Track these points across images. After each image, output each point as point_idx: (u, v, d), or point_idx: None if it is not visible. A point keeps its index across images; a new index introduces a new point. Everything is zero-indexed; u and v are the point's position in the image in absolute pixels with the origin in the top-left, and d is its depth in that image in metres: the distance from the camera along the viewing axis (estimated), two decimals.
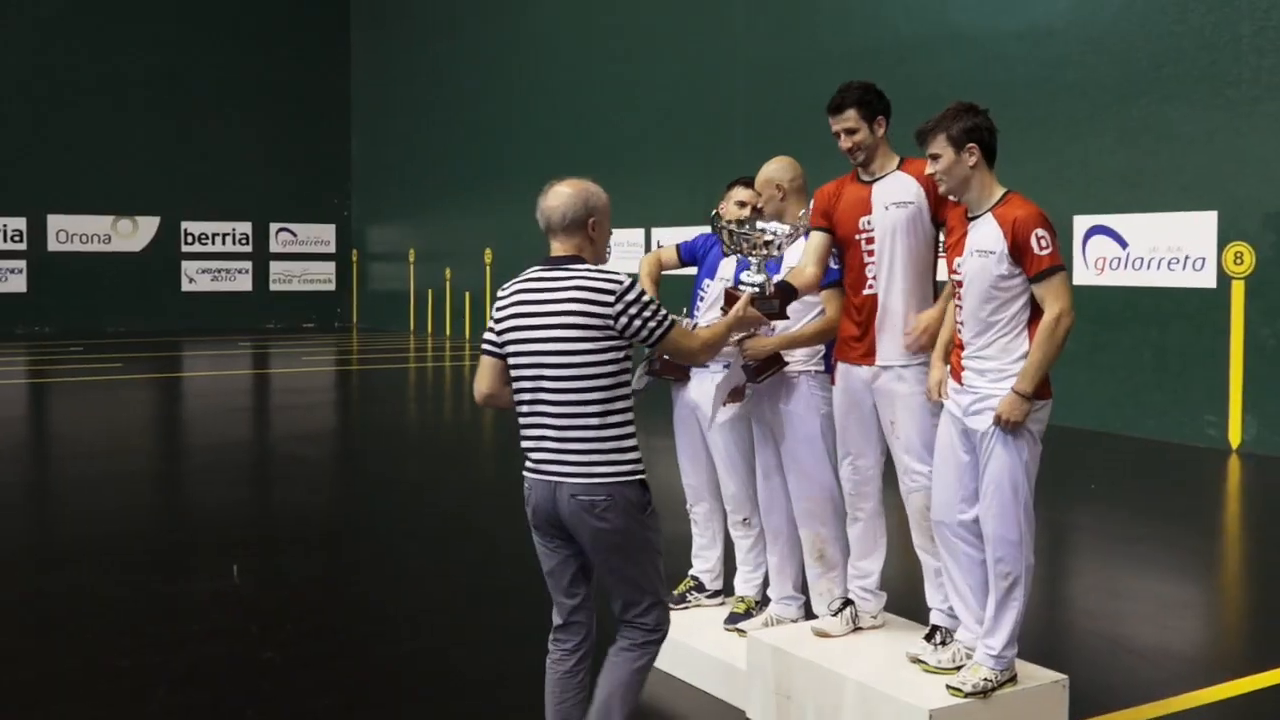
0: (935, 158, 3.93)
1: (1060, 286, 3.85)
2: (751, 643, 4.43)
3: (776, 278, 4.30)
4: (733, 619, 4.93)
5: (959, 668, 3.99)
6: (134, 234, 26.64)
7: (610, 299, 3.31)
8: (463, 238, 24.05)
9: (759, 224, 4.13)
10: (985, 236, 3.89)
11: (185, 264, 27.24)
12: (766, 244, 4.06)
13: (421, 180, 25.86)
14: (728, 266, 4.96)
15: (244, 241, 27.92)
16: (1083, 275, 11.84)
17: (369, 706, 4.60)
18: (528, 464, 3.47)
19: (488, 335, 3.53)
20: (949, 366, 4.08)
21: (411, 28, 26.40)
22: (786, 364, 4.54)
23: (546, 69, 21.30)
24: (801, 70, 15.21)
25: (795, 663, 4.23)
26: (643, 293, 3.37)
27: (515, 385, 3.45)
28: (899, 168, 4.34)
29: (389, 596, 6.16)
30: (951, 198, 4.05)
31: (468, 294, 23.87)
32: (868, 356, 4.31)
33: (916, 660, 4.09)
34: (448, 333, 24.62)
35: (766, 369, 4.49)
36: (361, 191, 28.97)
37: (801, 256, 4.46)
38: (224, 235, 27.67)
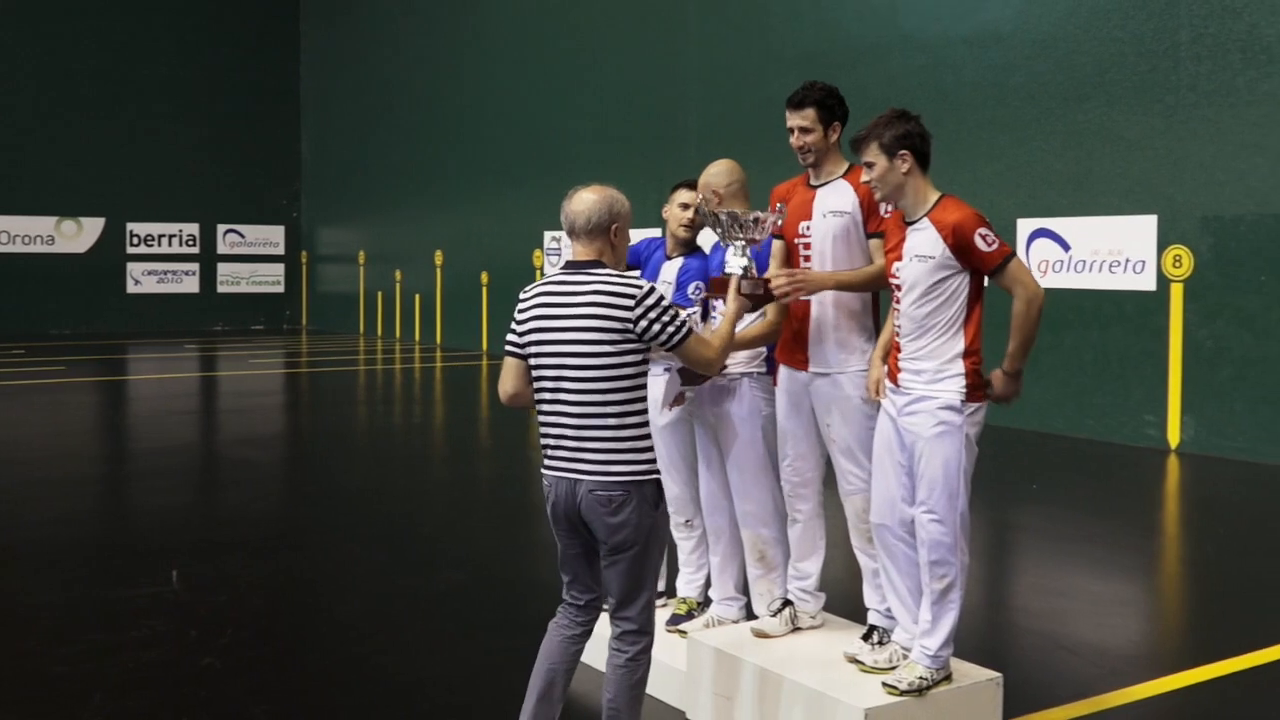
0: (869, 165, 3.99)
1: (1019, 271, 3.95)
2: (691, 644, 4.46)
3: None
4: (674, 620, 4.95)
5: (895, 668, 4.04)
6: (78, 235, 26.29)
7: (631, 303, 3.44)
8: (413, 240, 23.95)
9: (745, 213, 4.15)
10: (923, 242, 3.94)
11: (131, 265, 26.92)
12: (755, 223, 4.09)
13: (372, 182, 25.73)
14: (669, 270, 4.99)
15: (191, 243, 27.63)
16: None
17: (308, 711, 4.57)
18: (546, 462, 3.61)
19: (510, 337, 3.66)
20: (886, 367, 4.13)
21: (363, 27, 26.25)
22: (725, 368, 4.56)
23: (499, 70, 21.26)
24: (753, 73, 15.30)
25: (734, 663, 4.25)
26: (662, 298, 3.51)
27: (536, 385, 3.59)
28: (844, 175, 4.38)
29: (332, 601, 6.12)
30: (888, 204, 4.10)
31: (418, 296, 23.76)
32: (804, 361, 4.35)
33: (854, 660, 4.13)
34: (398, 335, 24.49)
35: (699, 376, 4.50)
36: (311, 193, 28.77)
37: (768, 263, 4.49)
38: (170, 236, 27.37)
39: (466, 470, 10.34)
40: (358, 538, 7.48)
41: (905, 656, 4.06)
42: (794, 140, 4.36)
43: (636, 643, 3.60)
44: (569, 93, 19.30)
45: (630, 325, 3.43)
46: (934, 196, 4.01)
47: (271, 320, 28.56)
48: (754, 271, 4.07)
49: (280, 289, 28.88)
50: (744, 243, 4.09)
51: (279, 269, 28.84)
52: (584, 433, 3.47)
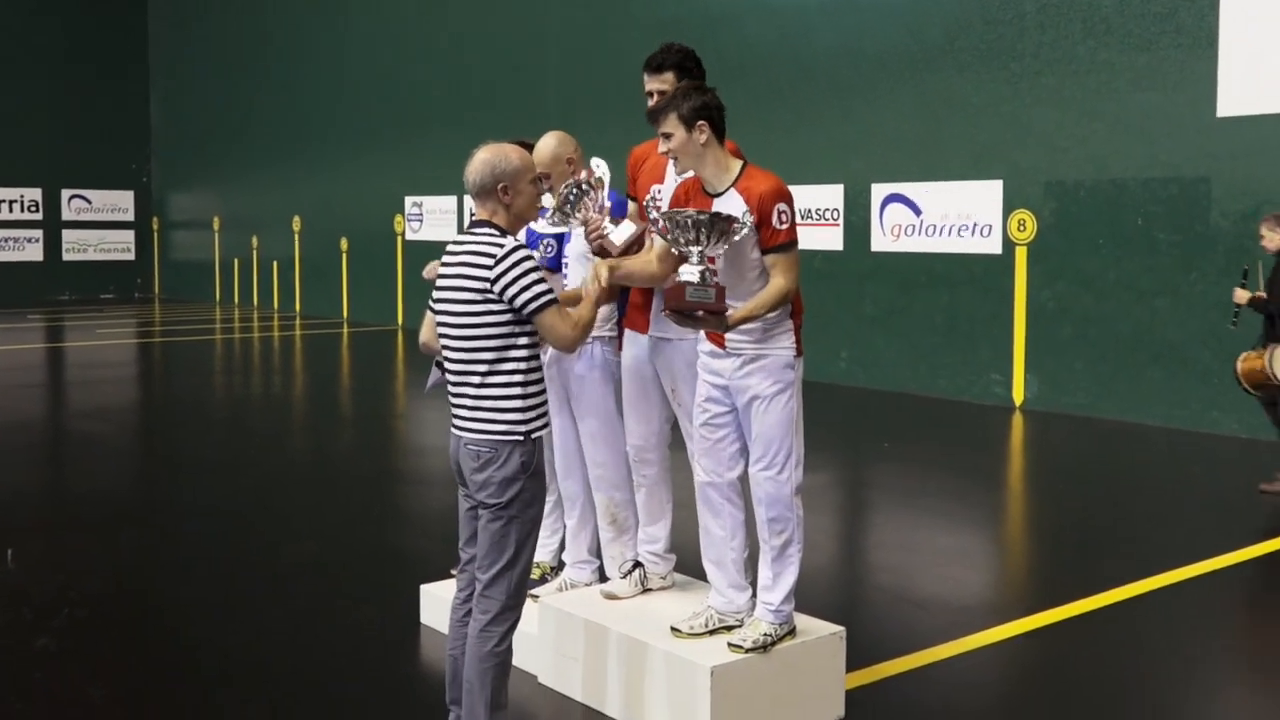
0: (667, 136, 3.98)
1: (792, 262, 3.93)
2: (541, 607, 4.47)
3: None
4: None
5: (712, 632, 4.10)
6: None
7: (490, 262, 3.44)
8: (270, 205, 23.32)
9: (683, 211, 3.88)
10: (733, 212, 3.94)
11: None
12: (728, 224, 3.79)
13: (226, 145, 24.93)
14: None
15: (33, 209, 26.43)
16: (880, 242, 12.26)
17: (149, 693, 4.45)
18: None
19: (434, 291, 3.74)
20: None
21: None
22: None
23: (356, 32, 20.76)
24: (612, 38, 15.24)
25: (582, 625, 4.28)
26: (522, 261, 3.46)
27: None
28: None
29: (178, 579, 5.95)
30: (688, 174, 4.09)
31: (275, 263, 23.18)
32: (645, 324, 4.37)
33: (674, 629, 4.13)
34: (255, 303, 23.87)
35: None
36: (161, 156, 27.75)
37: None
38: (11, 202, 26.10)
39: (323, 441, 10.15)
40: (207, 513, 7.29)
41: (721, 621, 4.13)
42: (653, 104, 4.31)
43: (487, 610, 3.54)
44: (428, 57, 18.96)
45: (489, 285, 3.43)
46: (737, 165, 4.03)
47: (122, 289, 27.54)
48: (710, 277, 3.82)
49: (131, 256, 27.84)
50: (699, 250, 3.81)
51: (129, 236, 27.79)
52: (460, 389, 3.55)
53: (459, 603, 3.75)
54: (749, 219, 3.87)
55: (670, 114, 3.95)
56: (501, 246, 3.46)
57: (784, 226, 3.91)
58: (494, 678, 3.54)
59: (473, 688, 3.54)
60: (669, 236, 3.87)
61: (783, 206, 3.91)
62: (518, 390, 3.50)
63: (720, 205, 3.96)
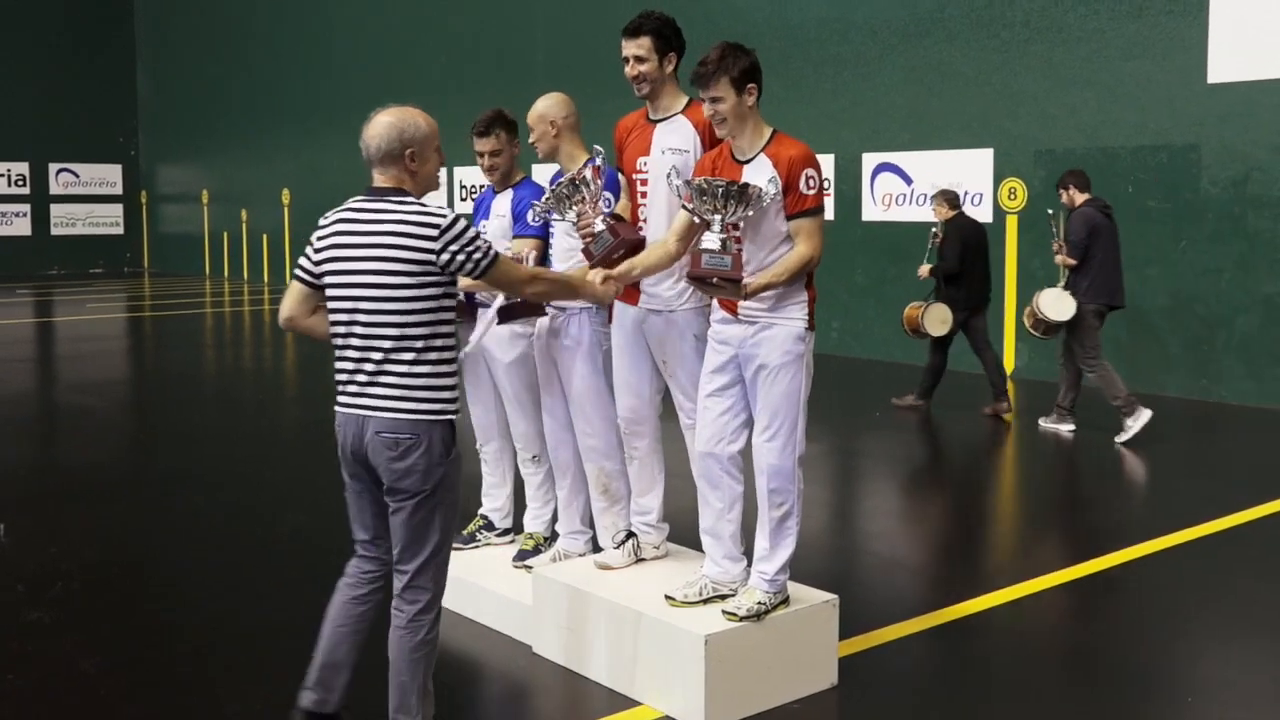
0: (716, 100, 3.91)
1: (817, 228, 3.92)
2: (535, 578, 4.48)
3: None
4: (521, 556, 4.97)
5: (706, 601, 4.10)
6: None
7: (434, 233, 3.25)
8: (259, 178, 23.22)
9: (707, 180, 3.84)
10: (759, 179, 3.90)
11: None
12: (746, 194, 3.78)
13: (214, 118, 24.78)
14: (502, 203, 4.92)
15: (20, 183, 26.29)
16: (871, 211, 12.24)
17: (142, 664, 4.46)
18: (338, 398, 3.42)
19: (302, 261, 3.45)
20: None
21: None
22: (545, 313, 4.55)
23: (342, 2, 20.61)
24: (600, 5, 15.14)
25: (577, 596, 4.29)
26: (466, 228, 3.31)
27: (331, 318, 3.39)
28: (684, 111, 4.35)
29: (170, 550, 5.96)
30: (729, 137, 4.05)
31: (265, 236, 23.10)
32: (637, 296, 4.35)
33: (668, 598, 4.15)
34: (245, 276, 23.79)
35: (521, 313, 4.40)
36: (149, 129, 27.59)
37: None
38: None
39: (313, 413, 10.14)
40: (199, 485, 7.28)
41: (715, 589, 4.13)
42: (629, 70, 4.31)
43: (416, 600, 3.41)
44: (415, 26, 18.84)
45: (432, 258, 3.24)
46: (767, 131, 4.01)
47: (111, 263, 27.44)
48: (731, 247, 3.80)
49: (119, 230, 27.73)
50: (720, 217, 3.78)
51: (117, 209, 27.67)
52: (379, 367, 3.29)
53: (359, 580, 3.57)
54: (776, 185, 3.85)
55: (722, 77, 3.88)
56: (443, 218, 3.28)
57: (811, 192, 3.89)
58: (425, 667, 3.43)
59: (404, 680, 3.40)
60: (692, 205, 3.83)
61: (810, 172, 3.89)
62: (447, 368, 3.35)
63: (749, 171, 3.94)
